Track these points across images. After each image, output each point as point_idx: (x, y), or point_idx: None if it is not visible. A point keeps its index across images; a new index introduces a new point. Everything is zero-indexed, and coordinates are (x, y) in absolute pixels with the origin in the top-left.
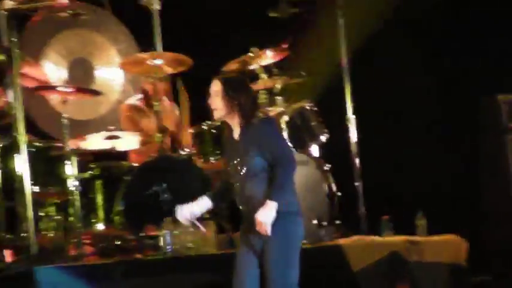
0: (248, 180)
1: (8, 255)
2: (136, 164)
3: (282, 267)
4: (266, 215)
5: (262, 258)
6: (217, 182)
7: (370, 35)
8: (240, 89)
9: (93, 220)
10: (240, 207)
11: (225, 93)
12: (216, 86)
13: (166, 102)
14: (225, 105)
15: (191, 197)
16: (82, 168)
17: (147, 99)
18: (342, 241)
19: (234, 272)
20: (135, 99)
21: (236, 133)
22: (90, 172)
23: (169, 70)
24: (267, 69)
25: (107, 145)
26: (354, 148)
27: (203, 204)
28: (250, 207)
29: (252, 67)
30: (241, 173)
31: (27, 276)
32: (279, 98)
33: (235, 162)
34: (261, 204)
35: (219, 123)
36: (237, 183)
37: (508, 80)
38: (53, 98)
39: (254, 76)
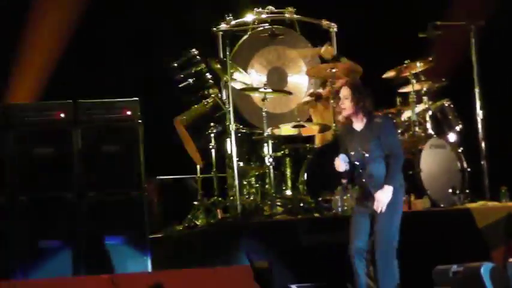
0: (370, 162)
1: (219, 213)
2: (316, 146)
3: (389, 228)
4: (384, 197)
5: (373, 219)
6: None
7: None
8: (364, 93)
9: (283, 188)
10: (361, 181)
11: (353, 97)
12: (345, 91)
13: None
14: (353, 106)
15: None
16: (276, 148)
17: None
18: (470, 205)
19: (350, 225)
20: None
21: (358, 126)
22: (281, 152)
23: (343, 76)
24: (416, 75)
25: (294, 132)
26: (481, 135)
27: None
28: (371, 182)
29: (405, 74)
30: (365, 157)
31: (234, 229)
32: (424, 98)
33: (358, 148)
34: (379, 181)
35: None
36: (361, 164)
37: None
38: (256, 97)
39: (406, 81)
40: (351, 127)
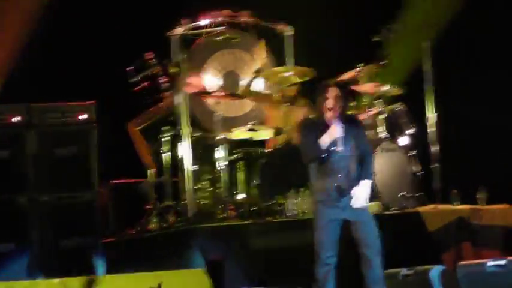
0: (348, 161)
1: (172, 218)
2: (269, 150)
3: (375, 225)
4: (363, 191)
5: (352, 223)
6: None
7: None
8: (347, 94)
9: (235, 191)
10: (335, 181)
11: (341, 97)
12: (336, 92)
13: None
14: (340, 106)
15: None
16: (229, 152)
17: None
18: (421, 209)
19: (321, 232)
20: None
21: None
22: (234, 155)
23: (296, 79)
24: (369, 79)
25: (247, 135)
26: (432, 138)
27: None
28: (348, 181)
29: (358, 77)
30: (345, 156)
31: (186, 233)
32: (377, 101)
33: (337, 148)
34: (356, 179)
35: None
36: (339, 161)
37: None
38: (209, 100)
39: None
40: (325, 125)
